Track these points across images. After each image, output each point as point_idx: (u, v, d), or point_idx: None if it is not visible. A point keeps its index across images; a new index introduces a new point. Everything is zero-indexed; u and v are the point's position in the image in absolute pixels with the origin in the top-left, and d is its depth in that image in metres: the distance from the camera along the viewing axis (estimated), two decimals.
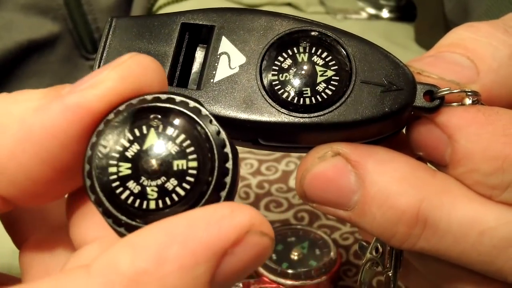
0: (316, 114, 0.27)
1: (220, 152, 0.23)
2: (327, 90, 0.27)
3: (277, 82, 0.27)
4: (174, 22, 0.29)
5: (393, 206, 0.26)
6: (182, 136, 0.23)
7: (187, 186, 0.22)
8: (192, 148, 0.22)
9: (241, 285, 0.45)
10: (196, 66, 0.29)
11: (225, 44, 0.28)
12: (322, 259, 0.46)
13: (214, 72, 0.28)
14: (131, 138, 0.23)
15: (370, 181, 0.27)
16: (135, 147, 0.23)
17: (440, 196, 0.26)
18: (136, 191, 0.22)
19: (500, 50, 0.28)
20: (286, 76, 0.27)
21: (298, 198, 0.54)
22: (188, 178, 0.22)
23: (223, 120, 0.26)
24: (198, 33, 0.29)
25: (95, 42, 0.82)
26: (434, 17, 0.68)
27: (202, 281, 0.20)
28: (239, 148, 0.25)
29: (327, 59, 0.27)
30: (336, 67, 0.27)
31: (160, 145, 0.22)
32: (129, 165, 0.22)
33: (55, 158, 0.23)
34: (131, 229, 0.22)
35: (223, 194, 0.23)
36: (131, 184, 0.22)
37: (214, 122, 0.23)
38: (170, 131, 0.23)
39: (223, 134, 0.23)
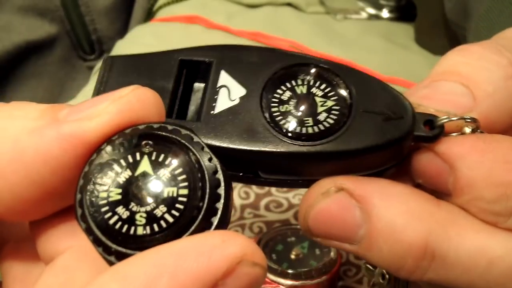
0: (318, 142, 0.27)
1: (212, 178, 0.23)
2: (328, 119, 0.27)
3: (278, 113, 0.27)
4: (172, 58, 0.29)
5: (400, 240, 0.26)
6: (174, 164, 0.23)
7: (176, 213, 0.22)
8: (183, 176, 0.22)
9: None
10: (195, 100, 0.29)
11: (224, 78, 0.28)
12: (322, 259, 0.46)
13: (214, 104, 0.28)
14: (124, 164, 0.23)
15: (375, 216, 0.26)
16: (127, 173, 0.23)
17: (446, 227, 0.26)
18: (124, 216, 0.22)
19: (494, 72, 0.28)
20: (286, 108, 0.27)
21: (298, 198, 0.54)
22: (177, 205, 0.22)
23: (224, 152, 0.26)
24: (196, 69, 0.29)
25: (92, 43, 0.82)
26: (434, 17, 0.68)
27: None
28: None
29: (326, 90, 0.28)
30: (336, 97, 0.27)
31: (151, 172, 0.22)
32: (119, 190, 0.22)
33: (45, 182, 0.23)
34: (121, 257, 0.22)
35: (215, 220, 0.23)
36: (120, 210, 0.22)
37: (206, 149, 0.23)
38: (162, 158, 0.23)
39: (214, 161, 0.23)
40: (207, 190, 0.23)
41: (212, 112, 0.28)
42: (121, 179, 0.23)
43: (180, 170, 0.23)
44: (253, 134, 0.27)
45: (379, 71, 0.64)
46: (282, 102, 0.28)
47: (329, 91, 0.28)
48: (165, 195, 0.22)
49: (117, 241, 0.22)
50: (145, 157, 0.23)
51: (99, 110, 0.23)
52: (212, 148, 0.26)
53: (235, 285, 0.21)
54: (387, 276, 0.32)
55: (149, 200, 0.22)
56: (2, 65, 0.76)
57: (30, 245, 0.26)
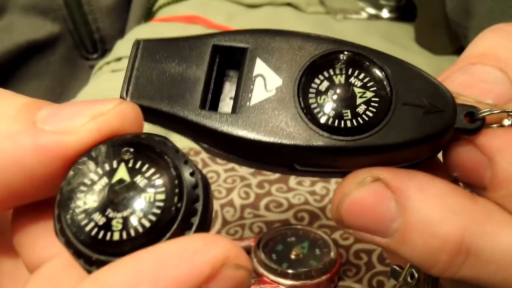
0: (358, 137, 0.26)
1: (189, 180, 0.23)
2: (368, 112, 0.26)
3: (315, 105, 0.26)
4: (205, 44, 0.28)
5: (436, 234, 0.25)
6: (151, 170, 0.23)
7: (153, 218, 0.22)
8: (160, 181, 0.22)
9: None
10: (228, 89, 0.29)
11: (260, 66, 0.28)
12: (322, 259, 0.46)
13: (250, 95, 0.27)
14: (101, 172, 0.23)
15: (411, 208, 0.25)
16: (104, 180, 0.22)
17: (483, 223, 0.25)
18: (100, 223, 0.22)
19: None
20: (324, 99, 0.26)
21: (298, 198, 0.54)
22: (154, 210, 0.22)
23: (260, 145, 0.26)
24: (230, 56, 0.29)
25: (95, 42, 0.82)
26: (434, 16, 0.68)
27: None
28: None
29: (364, 80, 0.27)
30: (375, 88, 0.26)
31: (128, 178, 0.22)
32: (95, 197, 0.22)
33: (16, 187, 0.23)
34: (101, 265, 0.22)
35: (195, 221, 0.22)
36: (96, 216, 0.22)
37: (181, 152, 0.23)
38: (139, 165, 0.23)
39: (190, 163, 0.23)
40: (184, 191, 0.22)
41: (248, 103, 0.27)
42: (98, 186, 0.22)
43: (156, 175, 0.22)
44: (291, 128, 0.26)
45: None
46: (319, 93, 0.27)
47: (368, 81, 0.27)
48: (142, 200, 0.22)
49: (96, 249, 0.22)
50: (122, 164, 0.23)
51: (79, 125, 0.23)
52: (249, 141, 0.26)
53: None
54: (416, 275, 0.31)
55: (126, 205, 0.22)
56: (4, 65, 0.76)
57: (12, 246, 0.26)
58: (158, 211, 0.22)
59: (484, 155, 0.26)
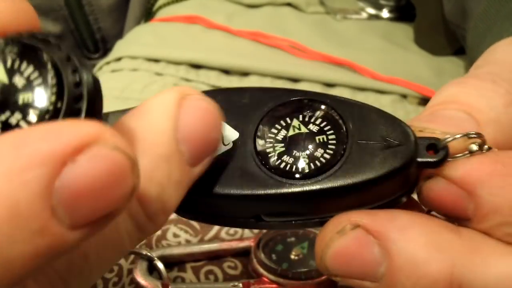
0: (314, 180, 0.26)
1: (71, 78, 0.22)
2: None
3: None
4: None
5: (424, 275, 0.25)
6: (30, 71, 0.22)
7: (33, 115, 0.21)
8: (39, 80, 0.21)
9: (241, 285, 0.44)
10: None
11: None
12: None
13: None
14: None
15: (395, 251, 0.25)
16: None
17: (471, 256, 0.25)
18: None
19: (493, 99, 0.28)
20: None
21: None
22: (31, 111, 0.21)
23: (223, 198, 0.26)
24: None
25: (96, 42, 0.82)
26: (433, 17, 0.68)
27: (35, 186, 0.18)
28: None
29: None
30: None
31: (5, 79, 0.22)
32: None
33: None
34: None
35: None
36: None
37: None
38: (17, 64, 0.22)
39: (73, 61, 0.22)
40: (65, 90, 0.21)
41: None
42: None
43: (35, 74, 0.21)
44: (250, 178, 0.26)
45: (379, 71, 0.64)
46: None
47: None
48: (20, 102, 0.21)
49: None
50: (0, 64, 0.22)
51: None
52: (211, 195, 0.26)
53: (89, 164, 0.19)
54: None
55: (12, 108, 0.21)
56: None
57: None
58: (35, 115, 0.21)
59: (462, 189, 0.26)
